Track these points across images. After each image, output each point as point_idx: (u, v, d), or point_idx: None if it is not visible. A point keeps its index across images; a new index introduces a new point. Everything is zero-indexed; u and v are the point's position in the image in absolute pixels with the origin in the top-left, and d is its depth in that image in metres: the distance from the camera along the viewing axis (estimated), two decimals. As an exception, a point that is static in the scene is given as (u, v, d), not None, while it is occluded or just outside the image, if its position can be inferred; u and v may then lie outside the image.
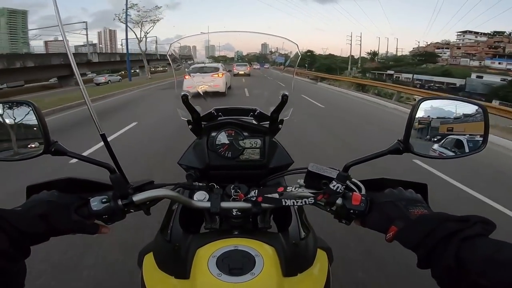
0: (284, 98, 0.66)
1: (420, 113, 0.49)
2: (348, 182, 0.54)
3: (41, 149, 0.49)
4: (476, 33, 54.81)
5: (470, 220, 0.41)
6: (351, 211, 0.52)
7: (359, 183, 0.56)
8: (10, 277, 0.38)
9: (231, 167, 0.72)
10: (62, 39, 0.42)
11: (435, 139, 0.51)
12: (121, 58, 33.98)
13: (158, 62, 40.37)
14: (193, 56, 0.91)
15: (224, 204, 0.59)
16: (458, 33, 56.85)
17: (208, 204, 0.59)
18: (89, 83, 24.45)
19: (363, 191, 0.54)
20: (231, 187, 0.63)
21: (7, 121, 0.49)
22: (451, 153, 0.52)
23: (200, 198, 0.60)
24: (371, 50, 62.69)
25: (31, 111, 0.48)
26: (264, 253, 0.53)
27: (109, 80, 25.32)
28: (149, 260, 0.63)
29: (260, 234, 0.60)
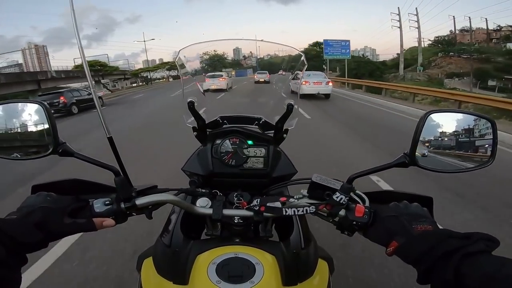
0: (290, 108, 0.66)
1: (427, 126, 0.48)
2: (352, 193, 0.54)
3: (50, 149, 0.50)
4: None
5: (472, 237, 0.40)
6: (354, 222, 0.51)
7: (363, 195, 0.55)
8: (5, 285, 0.38)
9: (234, 175, 0.72)
10: (78, 47, 0.43)
11: (442, 153, 0.50)
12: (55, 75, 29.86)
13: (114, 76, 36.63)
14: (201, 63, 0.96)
15: (226, 212, 0.59)
16: None
17: (210, 211, 0.59)
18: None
19: (367, 203, 0.54)
20: (234, 195, 0.64)
21: (19, 120, 0.51)
22: (458, 167, 0.51)
23: (203, 205, 0.61)
24: (437, 38, 38.85)
25: (42, 112, 0.49)
26: (264, 261, 0.52)
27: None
28: (148, 264, 0.63)
29: (261, 242, 0.60)
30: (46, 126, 0.49)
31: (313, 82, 10.61)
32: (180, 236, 0.62)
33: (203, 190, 0.63)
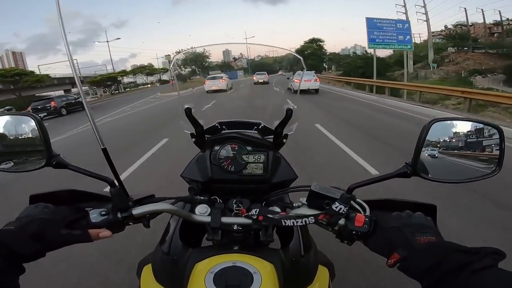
0: (289, 113, 0.65)
1: (431, 135, 0.47)
2: (352, 202, 0.53)
3: (43, 162, 0.49)
4: None
5: (480, 252, 0.39)
6: (354, 232, 0.50)
7: (363, 203, 0.54)
8: None
9: (233, 181, 0.71)
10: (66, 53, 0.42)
11: (446, 163, 0.49)
12: (58, 82, 30.81)
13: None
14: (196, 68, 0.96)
15: (225, 220, 0.58)
16: None
17: (208, 219, 0.58)
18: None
19: (367, 212, 0.53)
20: (233, 202, 0.63)
21: (11, 133, 0.50)
22: (463, 177, 0.49)
23: (202, 212, 0.60)
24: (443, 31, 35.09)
25: (34, 124, 0.49)
26: (262, 270, 0.52)
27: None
28: (147, 271, 0.63)
29: (260, 250, 0.59)
30: (39, 138, 0.49)
31: (304, 80, 12.60)
32: (178, 243, 0.62)
33: (202, 198, 0.62)
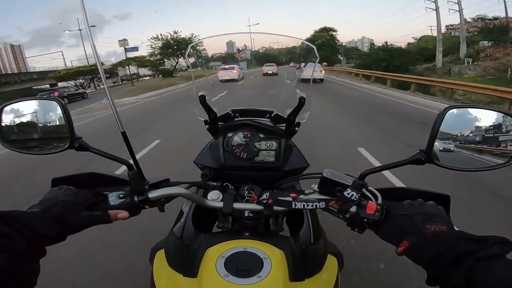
0: (302, 101, 0.65)
1: (446, 123, 0.46)
2: (364, 190, 0.53)
3: (66, 144, 0.51)
4: None
5: (488, 240, 0.39)
6: (365, 220, 0.51)
7: (375, 191, 0.54)
8: (24, 277, 0.40)
9: (245, 168, 0.72)
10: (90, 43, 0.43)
11: (461, 151, 0.48)
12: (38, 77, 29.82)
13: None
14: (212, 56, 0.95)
15: (237, 205, 0.59)
16: None
17: (221, 204, 0.59)
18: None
19: (379, 200, 0.53)
20: (245, 188, 0.64)
21: (36, 117, 0.52)
22: (478, 166, 0.49)
23: (214, 198, 0.61)
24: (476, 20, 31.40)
25: (59, 108, 0.51)
26: (272, 256, 0.53)
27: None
28: (160, 256, 0.65)
29: (270, 237, 0.60)
30: (63, 122, 0.51)
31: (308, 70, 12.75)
32: (191, 229, 0.63)
33: (214, 183, 0.63)
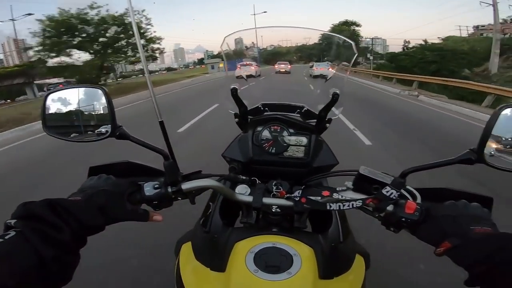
0: (335, 97, 0.64)
1: (500, 122, 0.44)
2: (402, 189, 0.51)
3: (108, 133, 0.52)
4: None
5: None
6: (403, 219, 0.49)
7: (414, 191, 0.52)
8: (63, 266, 0.39)
9: (273, 163, 0.71)
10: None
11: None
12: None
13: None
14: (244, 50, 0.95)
15: (266, 200, 0.59)
16: None
17: (250, 198, 0.59)
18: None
19: (419, 200, 0.51)
20: (273, 183, 0.63)
21: (80, 104, 0.53)
22: None
23: (242, 192, 0.61)
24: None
25: (103, 96, 0.52)
26: (302, 253, 0.52)
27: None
28: (186, 249, 0.65)
29: (299, 233, 0.59)
30: (106, 110, 0.52)
31: (320, 68, 12.46)
32: (219, 222, 0.63)
33: (244, 177, 0.63)
